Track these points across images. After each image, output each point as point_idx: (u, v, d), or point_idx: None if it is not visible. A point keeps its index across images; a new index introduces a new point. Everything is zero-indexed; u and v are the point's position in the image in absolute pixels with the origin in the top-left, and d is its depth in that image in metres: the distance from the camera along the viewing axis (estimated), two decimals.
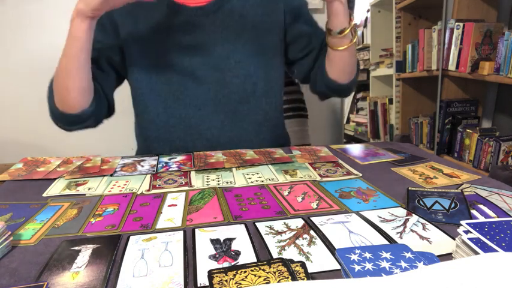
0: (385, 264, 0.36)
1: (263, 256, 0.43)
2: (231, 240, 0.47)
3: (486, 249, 0.37)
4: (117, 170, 0.75)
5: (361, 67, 2.52)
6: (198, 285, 0.38)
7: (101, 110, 0.88)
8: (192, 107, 0.90)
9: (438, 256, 0.41)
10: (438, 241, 0.46)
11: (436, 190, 0.62)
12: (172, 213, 0.55)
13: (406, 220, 0.52)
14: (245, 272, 0.36)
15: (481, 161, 1.65)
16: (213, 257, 0.43)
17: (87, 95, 0.82)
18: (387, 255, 0.38)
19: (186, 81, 0.89)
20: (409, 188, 0.63)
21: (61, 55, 0.77)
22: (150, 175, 0.72)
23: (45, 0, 1.51)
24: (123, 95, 0.98)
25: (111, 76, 0.91)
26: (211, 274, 0.35)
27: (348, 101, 2.46)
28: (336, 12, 0.81)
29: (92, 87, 0.83)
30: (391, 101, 2.56)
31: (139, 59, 0.88)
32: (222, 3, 0.88)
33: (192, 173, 0.72)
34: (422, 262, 0.37)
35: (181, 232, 0.49)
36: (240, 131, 0.92)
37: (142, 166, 0.77)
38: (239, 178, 0.70)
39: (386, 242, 0.46)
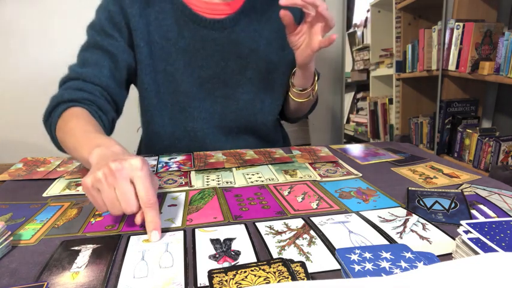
0: (385, 264, 0.36)
1: (263, 256, 0.43)
2: (231, 240, 0.47)
3: (486, 249, 0.37)
4: None
5: (361, 67, 2.52)
6: (198, 285, 0.38)
7: (113, 127, 0.85)
8: (198, 120, 0.88)
9: (438, 256, 0.41)
10: (438, 241, 0.46)
11: (436, 190, 0.62)
12: (172, 213, 0.55)
13: (406, 220, 0.52)
14: (245, 272, 0.36)
15: (481, 161, 1.65)
16: (213, 257, 0.43)
17: None
18: (387, 255, 0.38)
19: (194, 93, 0.87)
20: (409, 188, 0.63)
21: (73, 140, 0.65)
22: None
23: (46, 2, 1.51)
24: None
25: (126, 88, 0.88)
26: (211, 274, 0.35)
27: (347, 101, 2.47)
28: (304, 76, 0.86)
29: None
30: (391, 101, 2.56)
31: (148, 66, 0.85)
32: (240, 17, 0.86)
33: (192, 173, 0.72)
34: (422, 262, 0.37)
35: (182, 232, 0.49)
36: (243, 145, 0.92)
37: None
38: (239, 178, 0.70)
39: (387, 242, 0.46)
